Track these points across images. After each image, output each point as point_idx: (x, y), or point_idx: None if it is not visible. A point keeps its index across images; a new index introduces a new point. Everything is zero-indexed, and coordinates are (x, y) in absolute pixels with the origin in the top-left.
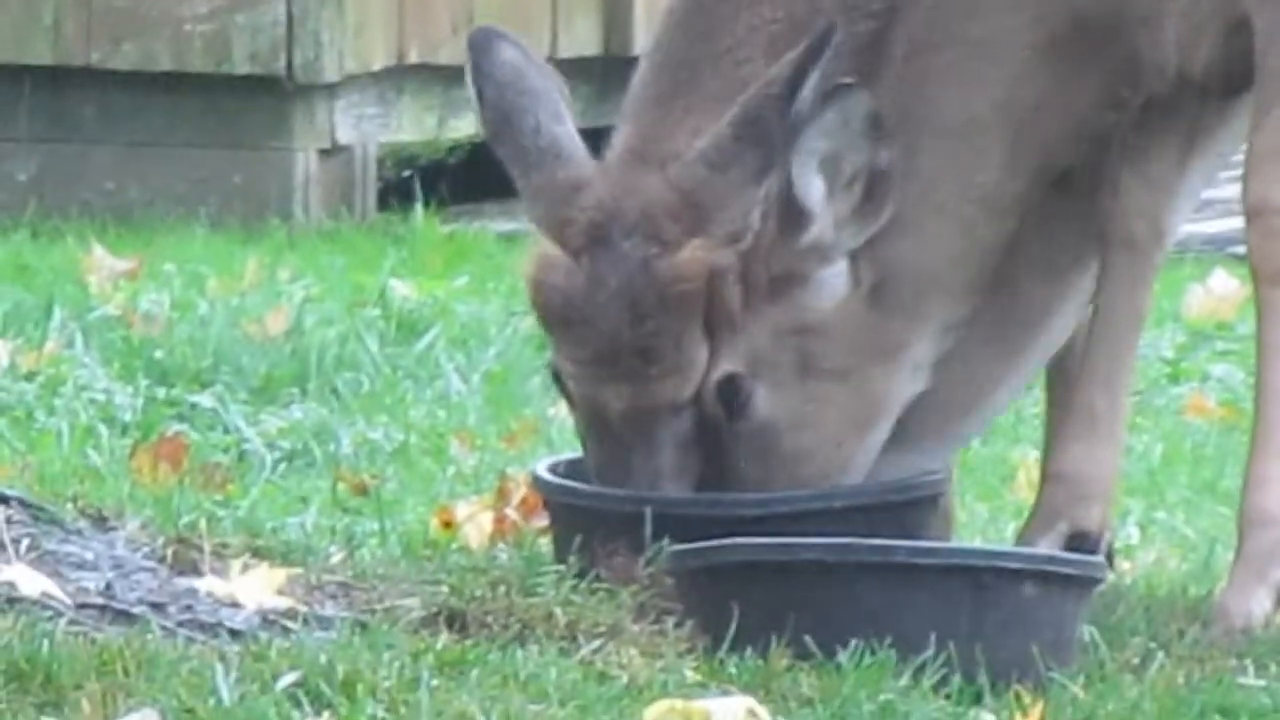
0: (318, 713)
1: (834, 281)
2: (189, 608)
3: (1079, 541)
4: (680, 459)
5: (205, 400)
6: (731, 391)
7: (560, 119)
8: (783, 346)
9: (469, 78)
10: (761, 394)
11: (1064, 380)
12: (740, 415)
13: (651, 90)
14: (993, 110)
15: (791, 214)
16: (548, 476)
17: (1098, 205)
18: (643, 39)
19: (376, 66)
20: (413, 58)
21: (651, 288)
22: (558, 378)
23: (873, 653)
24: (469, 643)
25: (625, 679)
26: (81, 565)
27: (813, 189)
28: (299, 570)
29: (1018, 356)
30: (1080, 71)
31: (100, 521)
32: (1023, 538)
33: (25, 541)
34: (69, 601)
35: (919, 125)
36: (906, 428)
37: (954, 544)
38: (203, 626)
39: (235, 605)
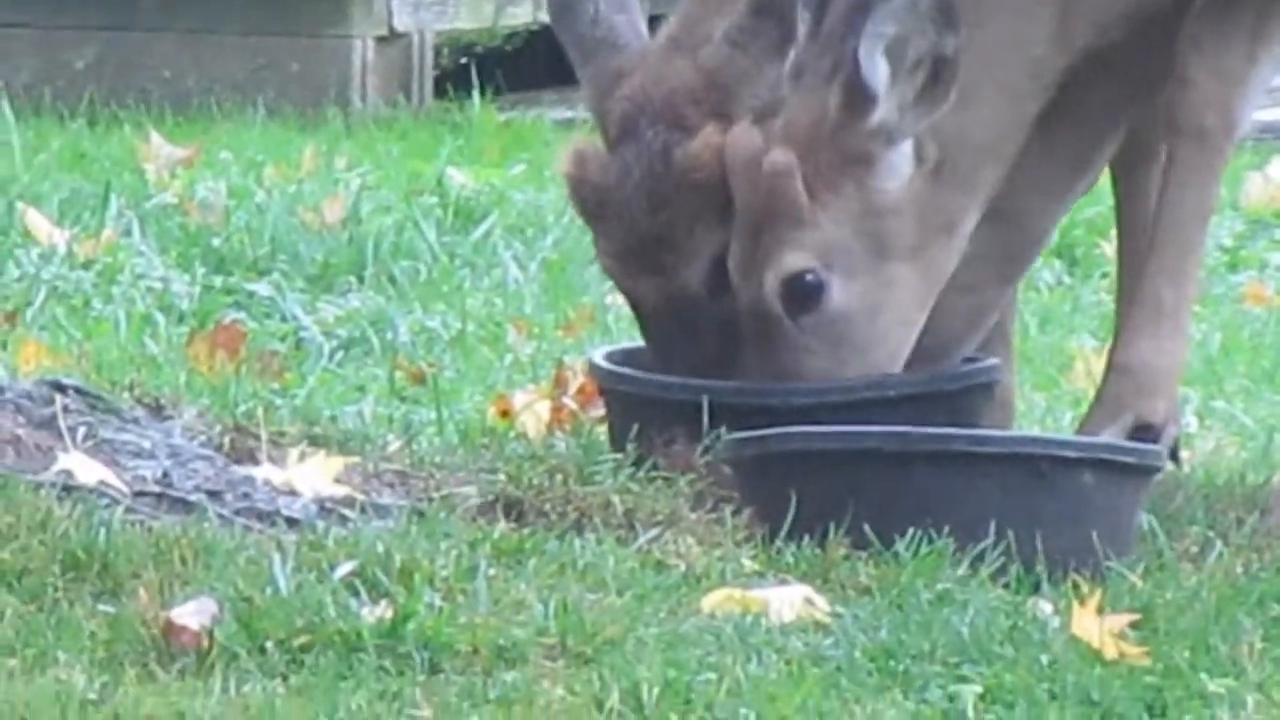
0: (374, 601)
1: (901, 162)
2: (246, 496)
3: (1143, 433)
4: (716, 348)
5: (262, 288)
6: (802, 288)
7: (623, 7)
8: (856, 233)
9: None
10: (837, 285)
11: (1131, 272)
12: (810, 310)
13: None
14: None
15: (857, 97)
16: (605, 364)
17: (1165, 97)
18: None
19: None
20: None
21: (668, 175)
22: (605, 269)
23: (930, 541)
24: (526, 531)
25: (683, 568)
26: (138, 453)
27: (878, 71)
28: (356, 459)
29: (1016, 277)
30: None
31: (157, 410)
32: (1086, 428)
33: (82, 430)
34: (126, 490)
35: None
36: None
37: (1012, 432)
38: (260, 515)
39: (292, 493)
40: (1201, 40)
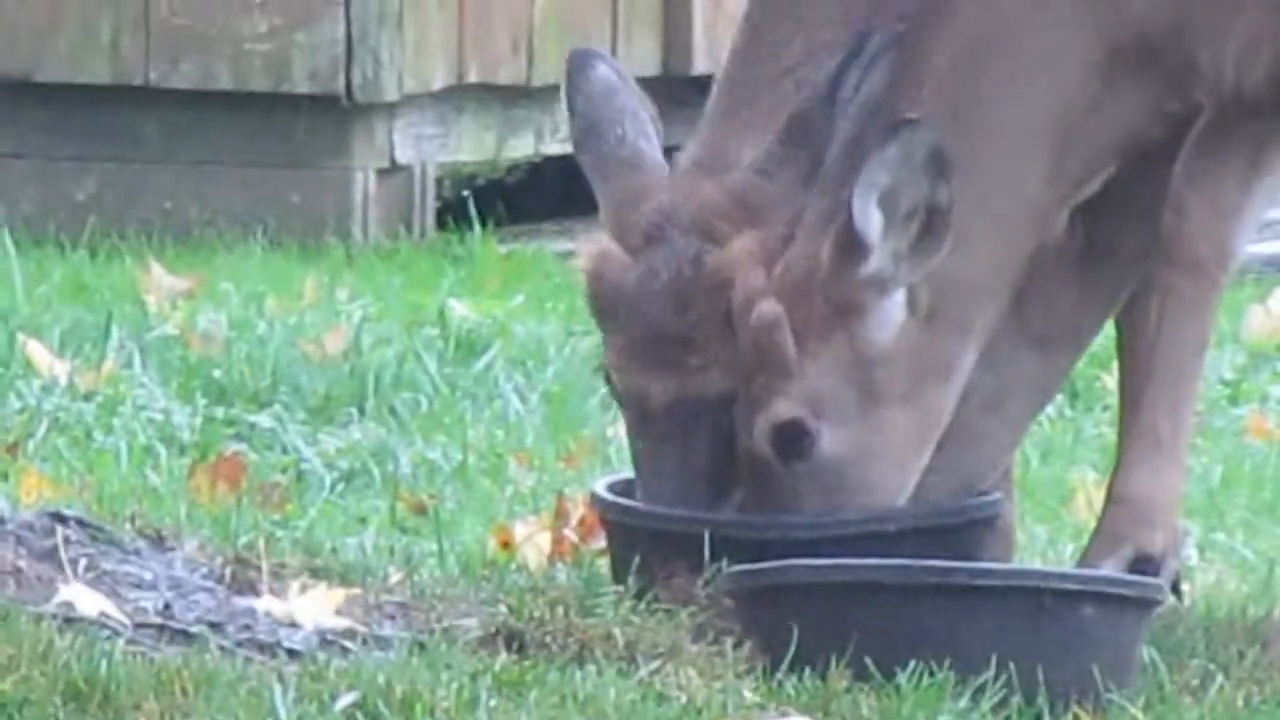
0: None
1: (893, 311)
2: (247, 627)
3: (1143, 565)
4: (719, 457)
5: (263, 420)
6: (793, 436)
7: (646, 135)
8: (846, 382)
9: (564, 91)
10: (826, 434)
11: (1130, 403)
12: (800, 457)
13: (717, 108)
14: (1046, 120)
15: (850, 246)
16: (606, 495)
17: (1160, 228)
18: (701, 59)
19: (436, 86)
20: (472, 77)
21: (699, 278)
22: (608, 378)
23: (931, 674)
24: (527, 663)
25: (684, 699)
26: (140, 585)
27: (872, 221)
28: (357, 590)
29: (1017, 428)
30: (1133, 83)
31: (158, 541)
32: (1085, 560)
33: (83, 561)
34: (127, 621)
35: (969, 137)
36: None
37: (1013, 565)
38: (261, 646)
39: (293, 625)
40: (1196, 170)
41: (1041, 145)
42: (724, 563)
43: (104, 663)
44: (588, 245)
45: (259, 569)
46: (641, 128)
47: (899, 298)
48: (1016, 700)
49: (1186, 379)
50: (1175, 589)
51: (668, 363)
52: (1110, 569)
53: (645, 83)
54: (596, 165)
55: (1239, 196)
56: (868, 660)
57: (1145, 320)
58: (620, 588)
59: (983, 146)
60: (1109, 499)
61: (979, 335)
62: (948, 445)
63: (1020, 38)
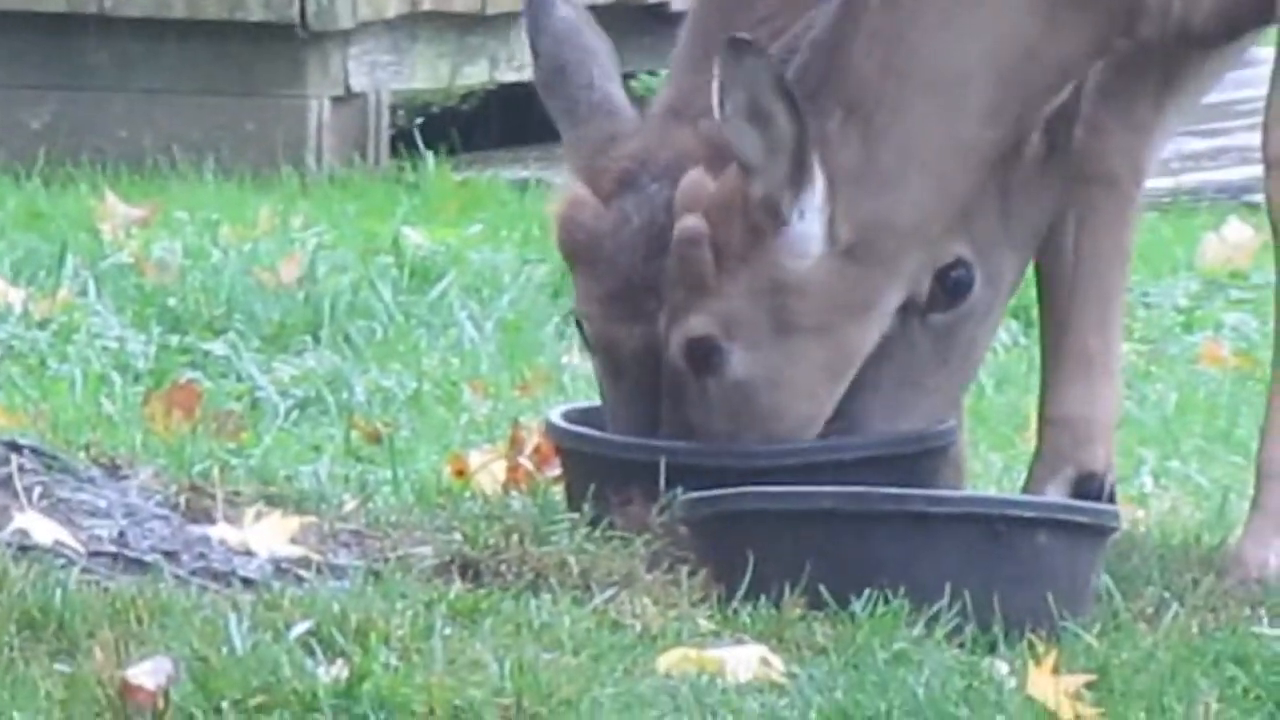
0: (330, 661)
1: (807, 241)
2: (202, 556)
3: (1087, 483)
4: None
5: (218, 348)
6: (702, 352)
7: (613, 79)
8: (757, 306)
9: (526, 30)
10: (737, 355)
11: (1056, 325)
12: (710, 374)
13: (692, 53)
14: (981, 61)
15: (740, 166)
16: (561, 424)
17: (1075, 145)
18: None
19: (390, 14)
20: (426, 5)
21: (670, 225)
22: (579, 324)
23: (886, 602)
24: (482, 591)
25: (639, 628)
26: (94, 513)
27: (747, 138)
28: (312, 518)
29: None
30: (1076, 22)
31: (113, 469)
32: (1030, 485)
33: (38, 490)
34: (82, 550)
35: (902, 79)
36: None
37: (968, 493)
38: (215, 575)
39: (248, 554)
40: (1110, 88)
41: (977, 87)
42: (679, 490)
43: (58, 591)
44: (560, 191)
45: (214, 497)
46: (608, 71)
47: (813, 228)
48: (971, 628)
49: (1111, 295)
50: (1110, 498)
51: (639, 310)
52: (1054, 491)
53: (600, 10)
54: (567, 109)
55: (1152, 114)
56: (822, 588)
57: (1064, 239)
58: (575, 516)
59: (915, 88)
60: (1045, 422)
61: (905, 275)
62: (949, 366)
63: None
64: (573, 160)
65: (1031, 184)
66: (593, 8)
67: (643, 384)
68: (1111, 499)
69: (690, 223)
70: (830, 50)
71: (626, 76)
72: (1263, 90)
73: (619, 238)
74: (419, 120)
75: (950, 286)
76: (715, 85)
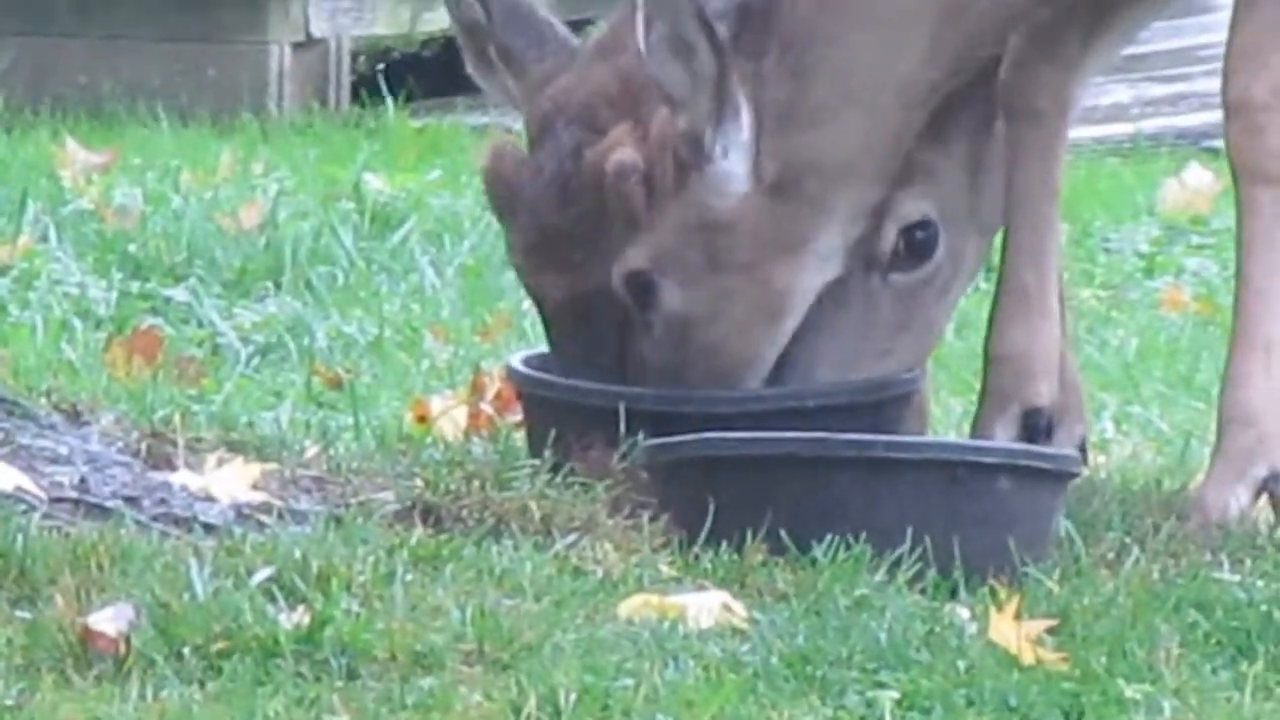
0: (292, 607)
1: (731, 178)
2: (163, 502)
3: (1033, 419)
4: (615, 349)
5: (179, 294)
6: (639, 286)
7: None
8: (688, 242)
9: None
10: (669, 289)
11: (1001, 263)
12: (649, 307)
13: None
14: (922, 2)
15: (665, 99)
16: (522, 369)
17: (1001, 80)
18: None
19: None
20: None
21: (577, 173)
22: (516, 266)
23: (848, 547)
24: (443, 537)
25: (600, 573)
26: (55, 460)
27: (671, 75)
28: (273, 465)
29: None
30: None
31: (74, 416)
32: (978, 427)
33: None
34: (43, 496)
35: (839, 15)
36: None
37: (929, 438)
38: (177, 521)
39: (209, 499)
40: (1036, 24)
41: (915, 26)
42: (640, 436)
43: (19, 537)
44: (488, 139)
45: (175, 443)
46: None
47: (737, 166)
48: (932, 573)
49: (1043, 228)
50: (1083, 454)
51: (558, 260)
52: (1002, 430)
53: None
54: (524, 49)
55: (1079, 50)
56: (784, 534)
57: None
58: (536, 462)
59: (853, 23)
60: (988, 360)
61: (844, 214)
62: (909, 332)
63: None
64: (521, 97)
65: (1000, 163)
66: None
67: (575, 332)
68: (1084, 453)
69: (621, 156)
70: None
71: (583, 23)
72: (1223, 36)
73: (534, 189)
74: (380, 66)
75: (915, 245)
76: (639, 18)
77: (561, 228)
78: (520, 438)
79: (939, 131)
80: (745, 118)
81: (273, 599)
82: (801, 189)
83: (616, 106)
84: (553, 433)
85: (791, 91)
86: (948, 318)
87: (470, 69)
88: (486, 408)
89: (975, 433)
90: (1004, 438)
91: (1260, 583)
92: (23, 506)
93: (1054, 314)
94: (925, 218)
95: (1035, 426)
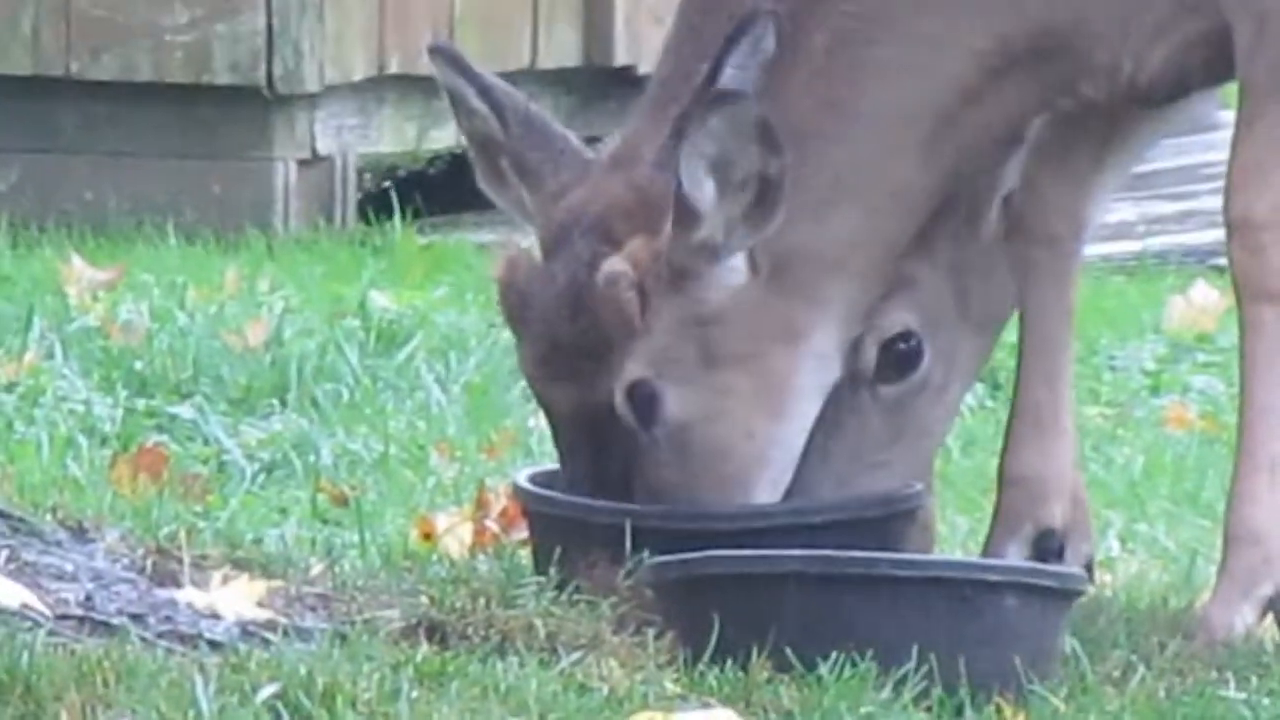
0: None
1: (729, 274)
2: (168, 619)
3: (1046, 540)
4: (621, 463)
5: (185, 411)
6: (641, 397)
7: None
8: (683, 340)
9: (458, 79)
10: (670, 394)
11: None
12: (653, 420)
13: (646, 102)
14: (923, 107)
15: (682, 213)
16: (528, 486)
17: (1013, 201)
18: (622, 50)
19: (357, 77)
20: (393, 68)
21: (591, 284)
22: (527, 376)
23: (854, 665)
24: (449, 654)
25: (605, 690)
26: (61, 576)
27: (702, 190)
28: (279, 581)
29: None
30: (1023, 77)
31: (80, 532)
32: (990, 548)
33: (4, 552)
34: (48, 613)
35: (840, 114)
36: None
37: (935, 556)
38: (182, 638)
39: (215, 616)
40: (1048, 146)
41: (914, 131)
42: (646, 554)
43: (25, 654)
44: (501, 251)
45: (180, 560)
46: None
47: (736, 263)
48: (938, 691)
49: (1058, 351)
50: (1090, 573)
51: (568, 371)
52: (1014, 550)
53: (566, 73)
54: (539, 161)
55: (1092, 171)
56: (789, 651)
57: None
58: (542, 579)
59: (852, 125)
60: (1001, 481)
61: (839, 312)
62: (903, 441)
63: (906, 21)
64: (535, 209)
65: (990, 263)
66: (560, 71)
67: (585, 444)
68: (1090, 572)
69: (612, 266)
70: (765, 87)
71: (592, 139)
72: (1228, 154)
73: (545, 298)
74: (386, 183)
75: (896, 358)
76: (675, 131)
77: (573, 338)
78: (525, 555)
79: (917, 238)
80: None
81: (278, 716)
82: (796, 279)
83: (632, 218)
84: (558, 550)
85: (789, 184)
86: (949, 419)
87: (481, 182)
88: (492, 525)
89: (987, 552)
90: (1016, 558)
91: (1266, 700)
92: (28, 623)
93: (1068, 435)
94: (906, 329)
95: (1048, 548)
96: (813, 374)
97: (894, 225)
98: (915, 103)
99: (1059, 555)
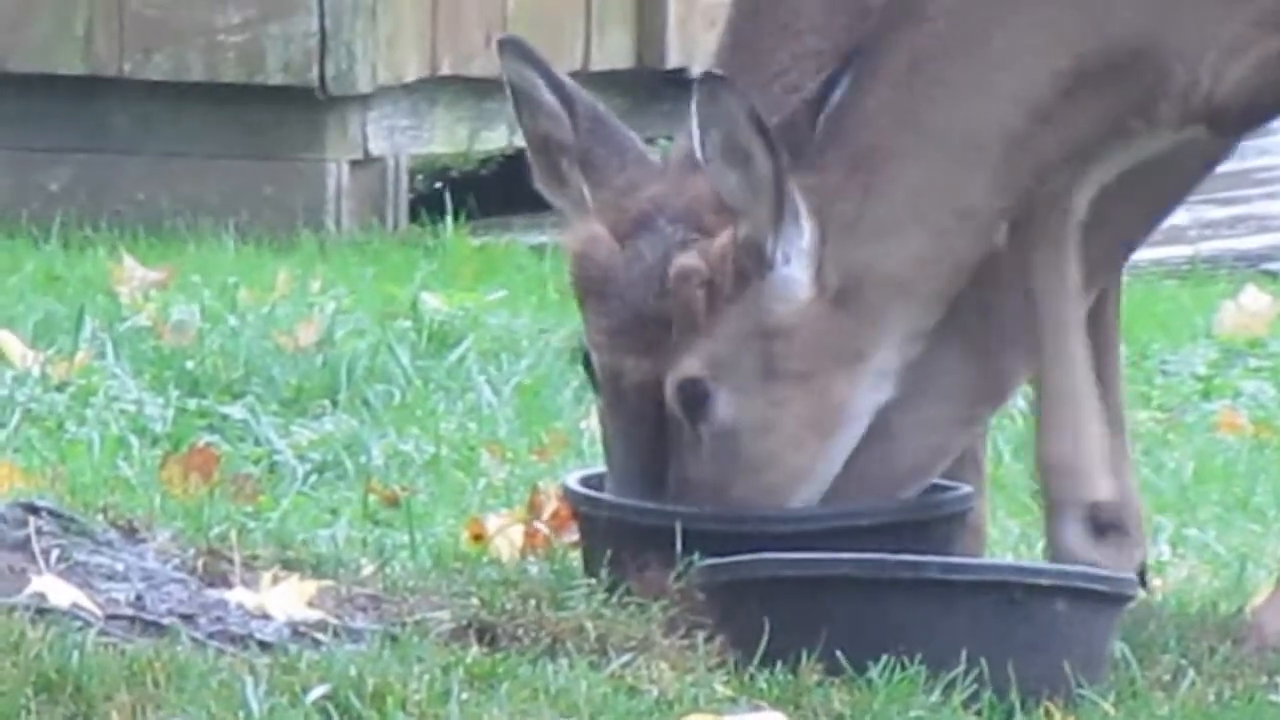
0: None
1: (793, 285)
2: (219, 619)
3: (1098, 512)
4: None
5: (236, 411)
6: (693, 394)
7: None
8: (743, 349)
9: (530, 73)
10: (722, 397)
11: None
12: (700, 418)
13: None
14: (998, 127)
15: (721, 205)
16: (579, 489)
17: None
18: (675, 53)
19: (409, 78)
20: (445, 69)
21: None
22: (585, 359)
23: (903, 668)
24: (499, 656)
25: (655, 693)
26: (112, 576)
27: (728, 181)
28: (329, 582)
29: (977, 422)
30: (1096, 97)
31: (130, 532)
32: (1052, 540)
33: (55, 552)
34: (99, 613)
35: (917, 132)
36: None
37: (986, 560)
38: (233, 638)
39: (265, 617)
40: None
41: (988, 152)
42: (696, 556)
43: (75, 654)
44: (576, 228)
45: (231, 561)
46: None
47: (801, 274)
48: (988, 695)
49: (1063, 330)
50: (1142, 578)
51: (645, 343)
52: (1073, 536)
53: (619, 76)
54: (606, 157)
55: (1137, 230)
56: (839, 654)
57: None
58: (592, 581)
59: (929, 144)
60: (1041, 472)
61: (903, 334)
62: (872, 440)
63: (986, 40)
64: (595, 203)
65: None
66: (613, 73)
67: (643, 420)
68: (1143, 578)
69: (686, 261)
70: (839, 105)
71: (647, 141)
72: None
73: (631, 272)
74: (438, 184)
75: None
76: (694, 126)
77: (656, 313)
78: (576, 557)
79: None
80: (806, 223)
81: (328, 717)
82: (863, 300)
83: (720, 214)
84: (609, 552)
85: (859, 205)
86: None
87: (538, 182)
88: (542, 527)
89: (1048, 544)
90: (1075, 542)
91: None
92: (79, 623)
93: (1094, 411)
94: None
95: (1100, 521)
96: (868, 394)
97: (962, 248)
98: (989, 122)
99: (1116, 527)
